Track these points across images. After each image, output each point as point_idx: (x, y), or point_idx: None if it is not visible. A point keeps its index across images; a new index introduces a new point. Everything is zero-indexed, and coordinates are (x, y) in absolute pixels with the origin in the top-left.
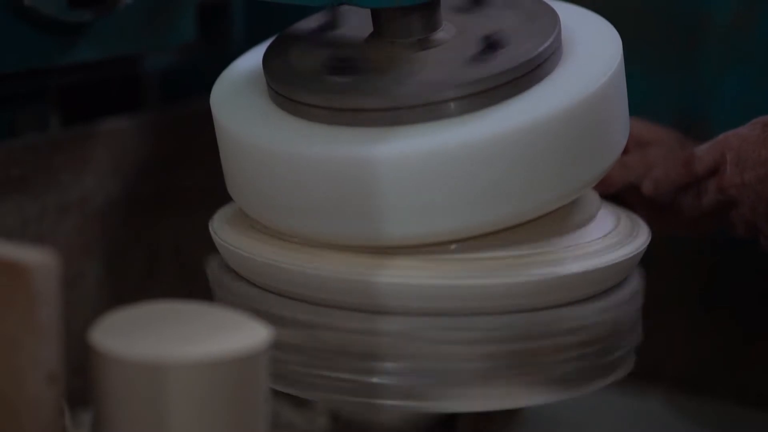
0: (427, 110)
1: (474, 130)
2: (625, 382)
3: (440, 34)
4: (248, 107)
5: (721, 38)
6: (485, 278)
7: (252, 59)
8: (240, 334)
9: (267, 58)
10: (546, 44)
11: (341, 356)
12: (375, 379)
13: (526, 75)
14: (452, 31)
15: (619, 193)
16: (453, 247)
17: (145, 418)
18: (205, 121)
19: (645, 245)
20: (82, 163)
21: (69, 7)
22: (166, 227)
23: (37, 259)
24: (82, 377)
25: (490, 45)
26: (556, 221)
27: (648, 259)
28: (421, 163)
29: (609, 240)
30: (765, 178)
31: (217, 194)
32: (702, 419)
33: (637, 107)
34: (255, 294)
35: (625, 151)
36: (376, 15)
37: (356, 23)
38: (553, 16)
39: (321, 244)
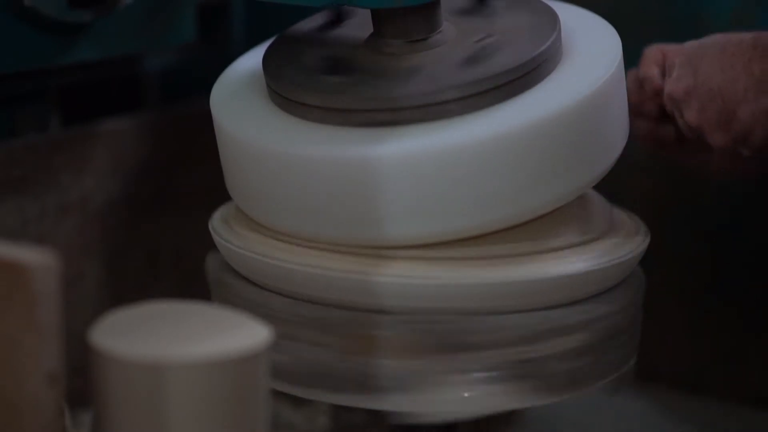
0: (427, 111)
1: (474, 131)
2: (625, 382)
3: (440, 35)
4: (248, 108)
5: None
6: (484, 278)
7: (252, 60)
8: (240, 334)
9: (267, 58)
10: (546, 45)
11: (341, 356)
12: (375, 380)
13: (526, 75)
14: (452, 31)
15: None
16: (453, 247)
17: (145, 418)
18: (205, 121)
19: (645, 245)
20: (82, 163)
21: (69, 7)
22: (166, 227)
23: (37, 259)
24: (82, 377)
25: (491, 46)
26: (555, 221)
27: (648, 259)
28: (421, 163)
29: (609, 240)
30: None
31: (217, 194)
32: (702, 419)
33: None
34: (254, 293)
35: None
36: (376, 15)
37: (357, 23)
38: (553, 17)
39: (321, 244)
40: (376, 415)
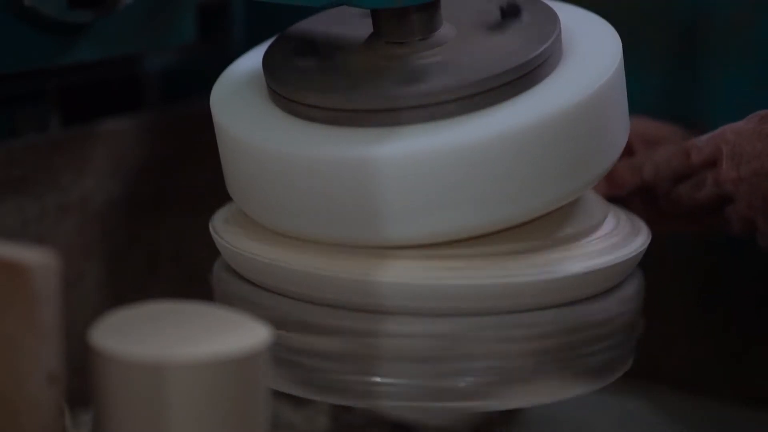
0: (427, 111)
1: (474, 131)
2: (625, 382)
3: (440, 35)
4: (248, 108)
5: (721, 38)
6: (484, 278)
7: (252, 60)
8: (240, 334)
9: (267, 58)
10: (546, 45)
11: (342, 356)
12: (377, 380)
13: (526, 76)
14: (452, 31)
15: (629, 194)
16: (453, 247)
17: (145, 418)
18: (205, 121)
19: (645, 245)
20: (82, 163)
21: (69, 7)
22: (166, 227)
23: (37, 259)
24: (82, 377)
25: (490, 46)
26: (556, 221)
27: (647, 260)
28: (421, 163)
29: (609, 240)
30: (760, 171)
31: (217, 194)
32: (702, 419)
33: (636, 107)
34: (255, 294)
35: (633, 151)
36: (375, 15)
37: (357, 23)
38: (553, 17)
39: (320, 244)
40: (376, 415)
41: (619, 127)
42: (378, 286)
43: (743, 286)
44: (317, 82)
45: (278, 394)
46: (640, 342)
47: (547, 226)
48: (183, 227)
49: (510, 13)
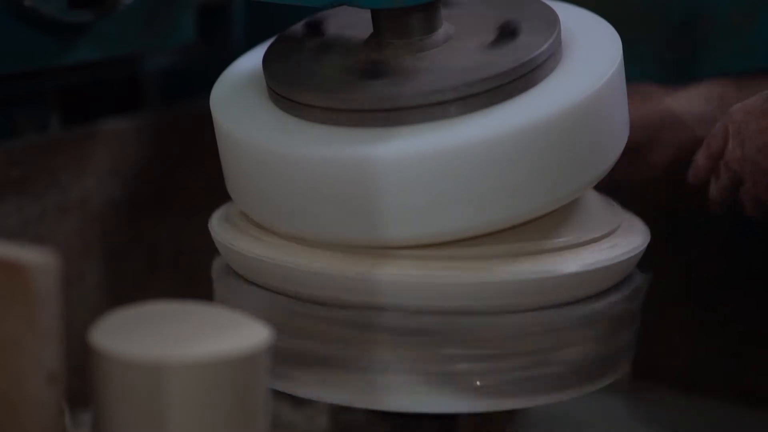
0: (427, 111)
1: (474, 131)
2: (624, 382)
3: (440, 35)
4: (248, 107)
5: (721, 38)
6: (484, 278)
7: (252, 60)
8: (240, 334)
9: (267, 58)
10: (546, 45)
11: (341, 355)
12: (375, 380)
13: (526, 76)
14: (452, 32)
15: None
16: (453, 247)
17: (145, 418)
18: (205, 121)
19: (644, 245)
20: (82, 163)
21: (69, 7)
22: (166, 227)
23: (37, 259)
24: (82, 377)
25: (490, 46)
26: (555, 221)
27: (648, 259)
28: (421, 163)
29: (608, 240)
30: (763, 147)
31: (217, 194)
32: (701, 419)
33: None
34: (255, 293)
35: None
36: (376, 15)
37: (355, 23)
38: (553, 17)
39: (320, 244)
40: (376, 415)
41: (619, 127)
42: (377, 286)
43: (743, 285)
44: (317, 82)
45: (278, 394)
46: (640, 342)
47: (546, 226)
48: (183, 227)
49: (507, 34)
